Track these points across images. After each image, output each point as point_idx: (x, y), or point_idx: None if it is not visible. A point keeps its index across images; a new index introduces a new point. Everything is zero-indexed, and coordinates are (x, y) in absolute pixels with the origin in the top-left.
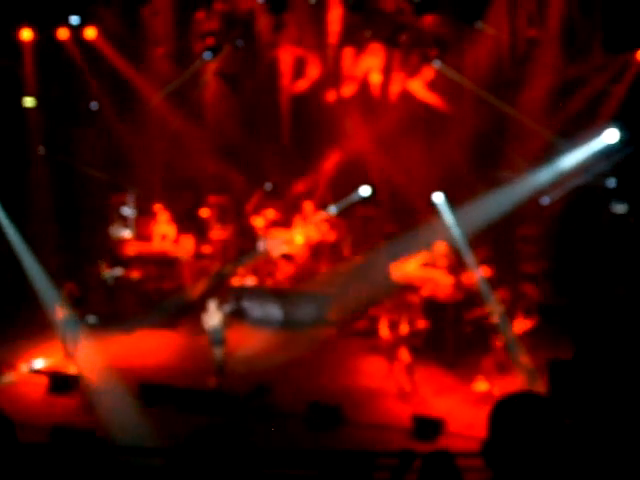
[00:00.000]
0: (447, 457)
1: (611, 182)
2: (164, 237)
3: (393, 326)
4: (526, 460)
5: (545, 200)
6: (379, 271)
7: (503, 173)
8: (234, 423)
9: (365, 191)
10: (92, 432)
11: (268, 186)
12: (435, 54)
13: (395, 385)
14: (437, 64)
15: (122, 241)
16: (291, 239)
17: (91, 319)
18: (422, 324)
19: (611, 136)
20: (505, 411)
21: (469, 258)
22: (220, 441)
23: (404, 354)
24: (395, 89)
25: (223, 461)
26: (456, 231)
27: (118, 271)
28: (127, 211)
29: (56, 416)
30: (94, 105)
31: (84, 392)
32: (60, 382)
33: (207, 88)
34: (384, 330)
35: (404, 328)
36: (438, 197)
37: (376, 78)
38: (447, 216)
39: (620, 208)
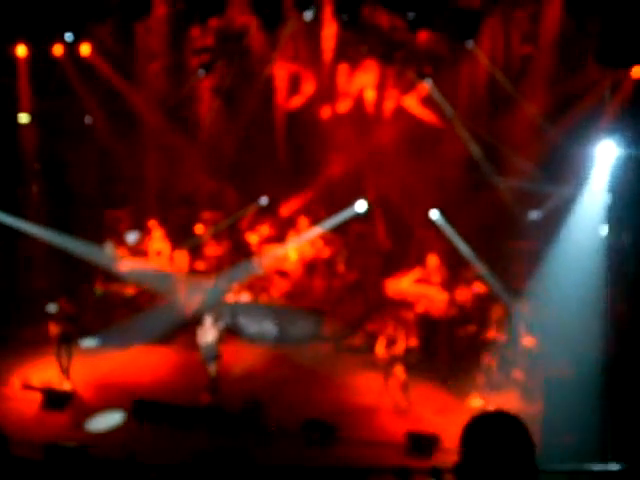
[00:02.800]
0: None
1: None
2: (159, 253)
3: (390, 343)
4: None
5: (535, 215)
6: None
7: (507, 181)
8: (231, 443)
9: (360, 207)
10: (85, 449)
11: (263, 200)
12: (429, 71)
13: (390, 402)
14: (428, 82)
15: (117, 257)
16: (285, 255)
17: (89, 342)
18: (417, 341)
19: (606, 150)
20: (475, 431)
21: (464, 273)
22: (221, 461)
23: (399, 371)
24: (389, 105)
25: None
26: (453, 245)
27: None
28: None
29: (49, 432)
30: (88, 119)
31: (78, 409)
32: (54, 398)
33: (202, 103)
34: (380, 348)
35: (401, 345)
36: (434, 214)
37: (370, 94)
38: (444, 231)
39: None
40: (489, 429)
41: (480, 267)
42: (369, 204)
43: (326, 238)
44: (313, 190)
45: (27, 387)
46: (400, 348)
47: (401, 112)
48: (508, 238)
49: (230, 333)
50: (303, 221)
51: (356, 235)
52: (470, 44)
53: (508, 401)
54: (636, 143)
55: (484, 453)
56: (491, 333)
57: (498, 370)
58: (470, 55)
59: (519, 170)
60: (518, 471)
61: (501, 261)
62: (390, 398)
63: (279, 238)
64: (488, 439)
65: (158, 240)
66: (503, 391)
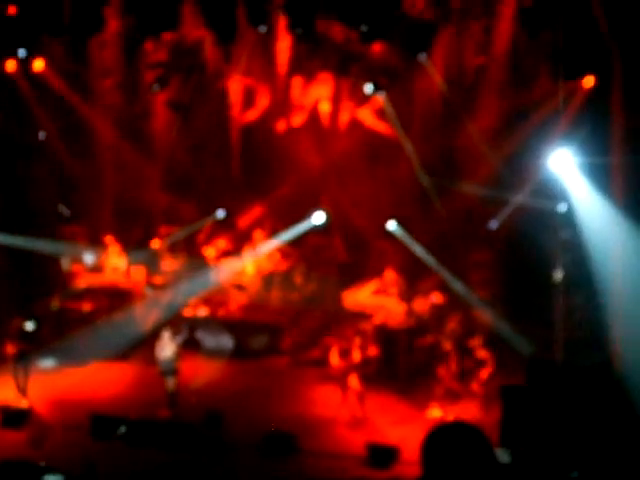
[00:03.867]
0: None
1: (562, 206)
2: (115, 269)
3: (344, 354)
4: None
5: (494, 224)
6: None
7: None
8: (191, 457)
9: (317, 219)
10: (43, 467)
11: (220, 213)
12: (384, 83)
13: (347, 413)
14: (382, 95)
15: (73, 273)
16: (243, 268)
17: (47, 362)
18: (373, 351)
19: (559, 160)
20: (435, 444)
21: (422, 284)
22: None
23: (354, 382)
24: (344, 118)
25: None
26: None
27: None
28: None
29: (7, 450)
30: (42, 135)
31: (35, 426)
32: (11, 416)
33: (156, 118)
34: (334, 358)
35: (355, 356)
36: (391, 224)
37: (325, 107)
38: (402, 242)
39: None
40: (449, 441)
41: (439, 276)
42: (326, 216)
43: (283, 251)
44: (270, 203)
45: None
46: (354, 358)
47: (356, 124)
48: (466, 248)
49: (188, 347)
50: (260, 234)
51: (313, 247)
52: (423, 57)
53: (467, 411)
54: (590, 151)
55: (445, 465)
56: (449, 343)
57: (456, 380)
58: (424, 67)
59: (474, 180)
60: None
61: (460, 270)
62: (347, 409)
63: (236, 251)
64: (448, 451)
65: (114, 255)
66: (462, 401)
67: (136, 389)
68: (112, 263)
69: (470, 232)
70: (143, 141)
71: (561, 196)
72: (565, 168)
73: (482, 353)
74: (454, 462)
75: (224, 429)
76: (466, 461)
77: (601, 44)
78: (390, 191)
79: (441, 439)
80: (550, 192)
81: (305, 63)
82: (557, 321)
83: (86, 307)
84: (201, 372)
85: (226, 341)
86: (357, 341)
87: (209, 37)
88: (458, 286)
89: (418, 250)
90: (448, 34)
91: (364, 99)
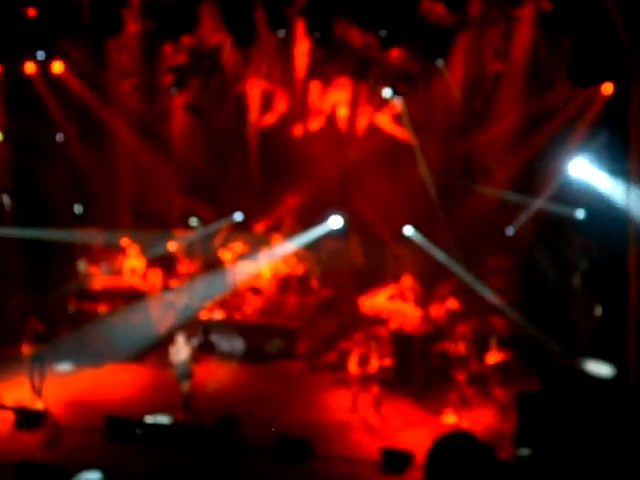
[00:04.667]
0: None
1: (580, 213)
2: (133, 271)
3: (363, 361)
4: None
5: (510, 230)
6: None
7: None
8: (206, 460)
9: (335, 223)
10: (58, 468)
11: (237, 217)
12: (403, 88)
13: (363, 418)
14: (399, 100)
15: (90, 275)
16: (259, 272)
17: (64, 366)
18: (391, 360)
19: (576, 168)
20: (438, 454)
21: (438, 290)
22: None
23: (373, 388)
24: (362, 123)
25: None
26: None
27: None
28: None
29: (22, 452)
30: (60, 137)
31: (50, 428)
32: (26, 418)
33: (175, 121)
34: (353, 365)
35: (374, 362)
36: (408, 229)
37: (343, 112)
38: (418, 247)
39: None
40: (451, 452)
41: (456, 282)
42: (343, 220)
43: (299, 255)
44: (287, 207)
45: None
46: (373, 366)
47: (374, 129)
48: (484, 253)
49: (203, 351)
50: (276, 238)
51: (330, 251)
52: (440, 62)
53: (482, 417)
54: (609, 158)
55: (446, 476)
56: (463, 349)
57: (472, 386)
58: (442, 72)
59: (491, 185)
60: None
61: (478, 276)
62: (363, 415)
63: (252, 255)
64: (450, 462)
65: (132, 257)
66: (478, 406)
67: (151, 392)
68: (130, 265)
69: (487, 238)
70: (161, 143)
71: (579, 202)
72: (586, 174)
73: (498, 359)
74: (455, 474)
75: (238, 433)
76: (467, 473)
77: (620, 51)
78: (407, 196)
79: (443, 450)
80: (569, 198)
81: (323, 67)
82: (574, 328)
83: (102, 309)
84: (216, 375)
85: (240, 345)
86: (376, 349)
87: (228, 41)
88: (475, 291)
89: (435, 255)
90: (466, 40)
91: (382, 104)
